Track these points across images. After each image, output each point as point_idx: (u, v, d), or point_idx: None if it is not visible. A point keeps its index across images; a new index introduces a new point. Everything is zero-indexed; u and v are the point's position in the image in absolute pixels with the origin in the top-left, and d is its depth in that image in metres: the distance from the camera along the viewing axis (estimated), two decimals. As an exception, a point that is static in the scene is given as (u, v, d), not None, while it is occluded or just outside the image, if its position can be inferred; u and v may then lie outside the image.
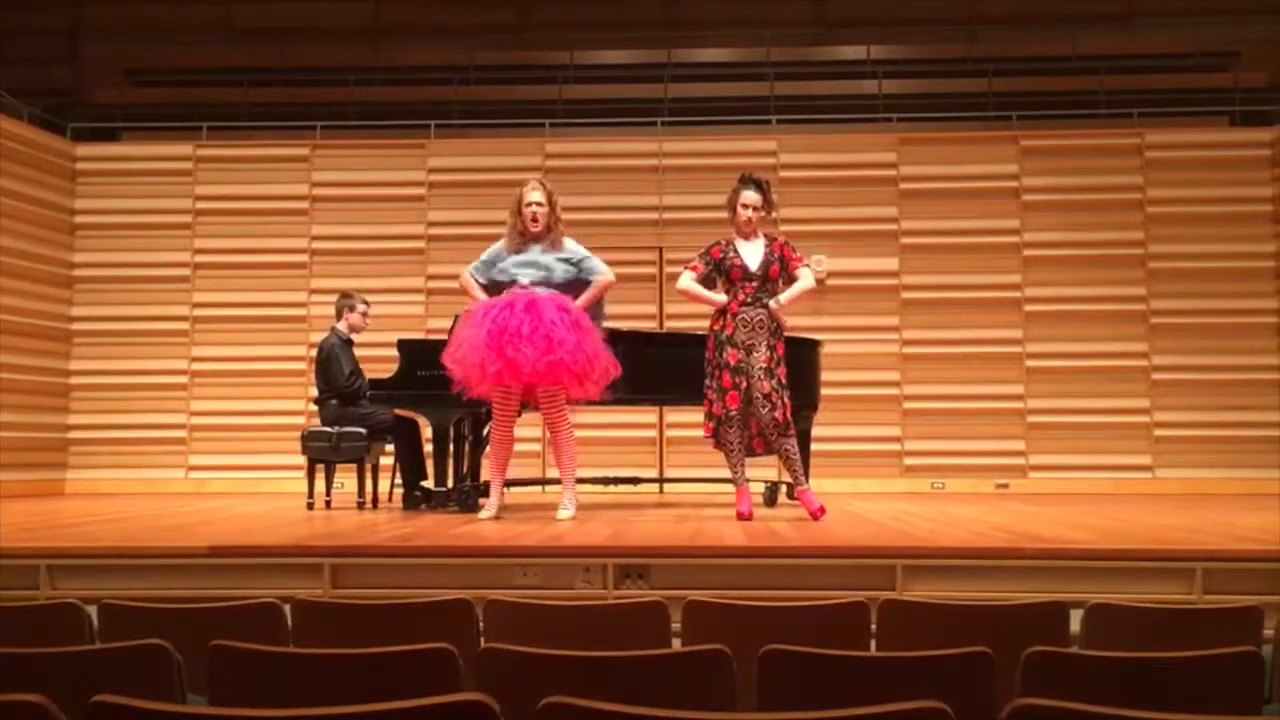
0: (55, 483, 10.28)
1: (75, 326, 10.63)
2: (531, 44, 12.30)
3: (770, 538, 4.91)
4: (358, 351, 7.56)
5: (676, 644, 2.95)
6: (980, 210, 10.46)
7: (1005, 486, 10.12)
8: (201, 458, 10.48)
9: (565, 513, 5.74)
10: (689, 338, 6.75)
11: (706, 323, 5.91)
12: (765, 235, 5.84)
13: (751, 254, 5.72)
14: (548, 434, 6.24)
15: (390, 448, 7.44)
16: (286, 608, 3.13)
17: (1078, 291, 10.30)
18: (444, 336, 6.38)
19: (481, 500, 6.24)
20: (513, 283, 5.70)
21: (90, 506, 7.73)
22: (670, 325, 10.00)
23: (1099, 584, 4.02)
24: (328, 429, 7.24)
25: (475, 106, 11.26)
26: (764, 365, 5.59)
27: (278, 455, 9.82)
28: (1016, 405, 10.33)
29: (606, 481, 7.83)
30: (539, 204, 5.75)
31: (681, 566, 4.30)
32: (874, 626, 3.10)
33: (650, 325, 10.04)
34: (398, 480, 7.42)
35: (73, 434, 10.56)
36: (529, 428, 8.16)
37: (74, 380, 10.60)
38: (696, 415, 5.98)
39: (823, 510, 5.70)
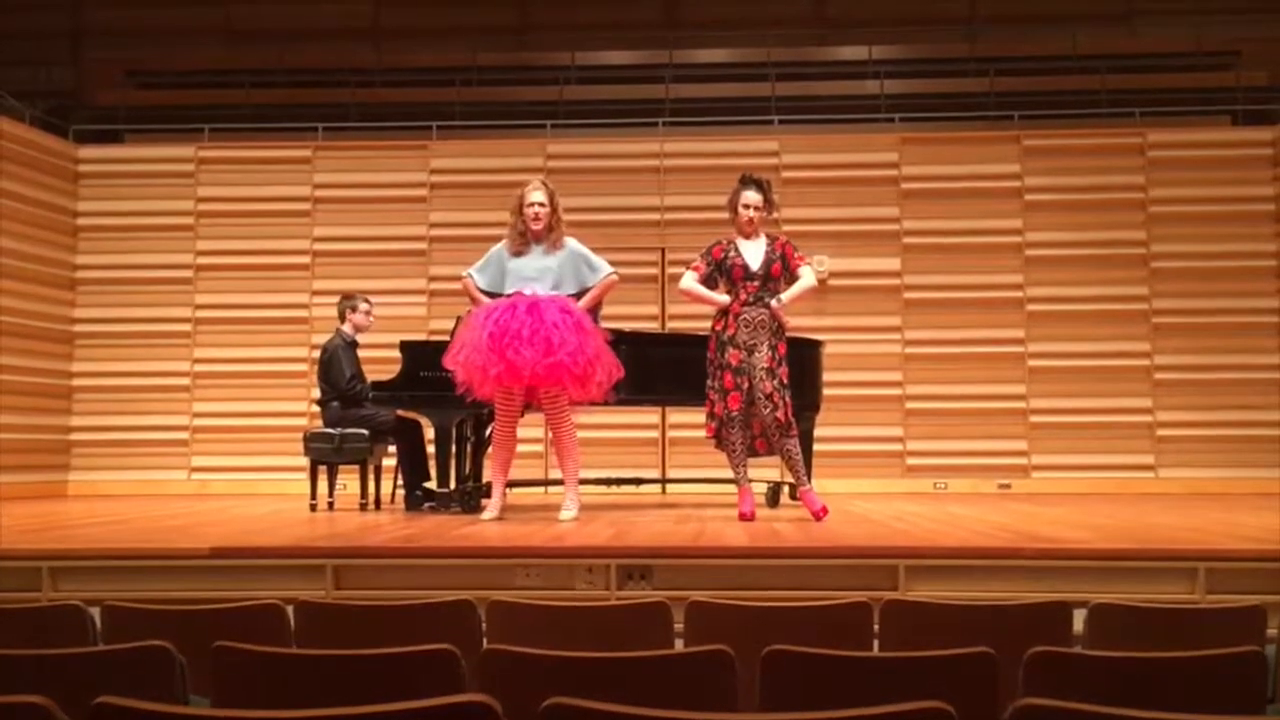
0: (58, 484, 10.27)
1: (78, 328, 10.64)
2: (533, 45, 12.31)
3: (773, 538, 4.92)
4: (360, 353, 7.54)
5: (679, 645, 2.95)
6: (982, 210, 10.45)
7: (1007, 486, 10.11)
8: (204, 459, 10.49)
9: (568, 513, 5.75)
10: (691, 338, 6.75)
11: (708, 323, 5.91)
12: (767, 234, 5.84)
13: (753, 253, 5.72)
14: (550, 435, 6.23)
15: (392, 449, 7.42)
16: (289, 609, 3.13)
17: (1080, 291, 10.29)
18: (446, 338, 6.39)
19: (484, 501, 6.24)
20: None
21: (92, 508, 7.74)
22: (672, 326, 10.00)
23: (1101, 584, 4.02)
24: (330, 430, 7.22)
25: (477, 107, 11.26)
26: (766, 365, 5.58)
27: (280, 457, 9.83)
28: (1019, 405, 10.32)
29: (609, 482, 7.84)
30: (541, 204, 5.75)
31: (684, 567, 4.30)
32: (877, 627, 3.10)
33: (652, 326, 10.03)
34: (400, 481, 7.41)
35: (75, 435, 10.57)
36: (531, 428, 8.16)
37: (76, 382, 10.60)
38: (698, 416, 5.98)
39: (825, 510, 5.70)
